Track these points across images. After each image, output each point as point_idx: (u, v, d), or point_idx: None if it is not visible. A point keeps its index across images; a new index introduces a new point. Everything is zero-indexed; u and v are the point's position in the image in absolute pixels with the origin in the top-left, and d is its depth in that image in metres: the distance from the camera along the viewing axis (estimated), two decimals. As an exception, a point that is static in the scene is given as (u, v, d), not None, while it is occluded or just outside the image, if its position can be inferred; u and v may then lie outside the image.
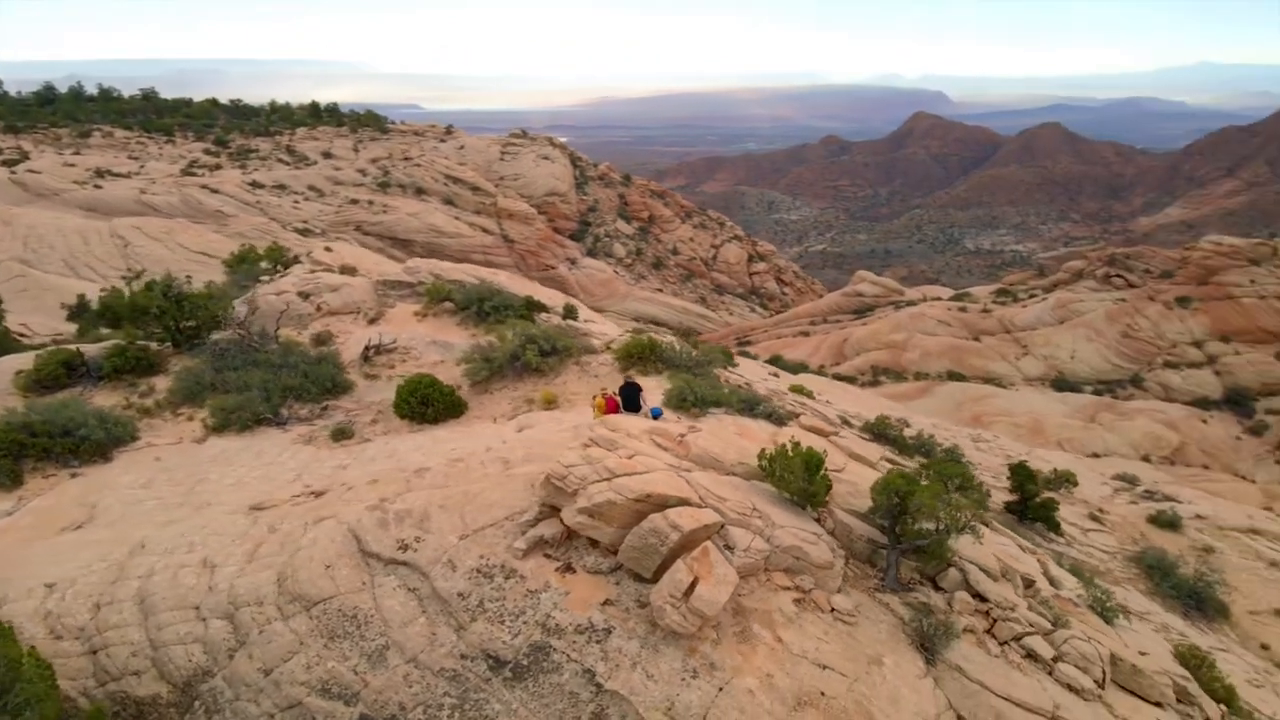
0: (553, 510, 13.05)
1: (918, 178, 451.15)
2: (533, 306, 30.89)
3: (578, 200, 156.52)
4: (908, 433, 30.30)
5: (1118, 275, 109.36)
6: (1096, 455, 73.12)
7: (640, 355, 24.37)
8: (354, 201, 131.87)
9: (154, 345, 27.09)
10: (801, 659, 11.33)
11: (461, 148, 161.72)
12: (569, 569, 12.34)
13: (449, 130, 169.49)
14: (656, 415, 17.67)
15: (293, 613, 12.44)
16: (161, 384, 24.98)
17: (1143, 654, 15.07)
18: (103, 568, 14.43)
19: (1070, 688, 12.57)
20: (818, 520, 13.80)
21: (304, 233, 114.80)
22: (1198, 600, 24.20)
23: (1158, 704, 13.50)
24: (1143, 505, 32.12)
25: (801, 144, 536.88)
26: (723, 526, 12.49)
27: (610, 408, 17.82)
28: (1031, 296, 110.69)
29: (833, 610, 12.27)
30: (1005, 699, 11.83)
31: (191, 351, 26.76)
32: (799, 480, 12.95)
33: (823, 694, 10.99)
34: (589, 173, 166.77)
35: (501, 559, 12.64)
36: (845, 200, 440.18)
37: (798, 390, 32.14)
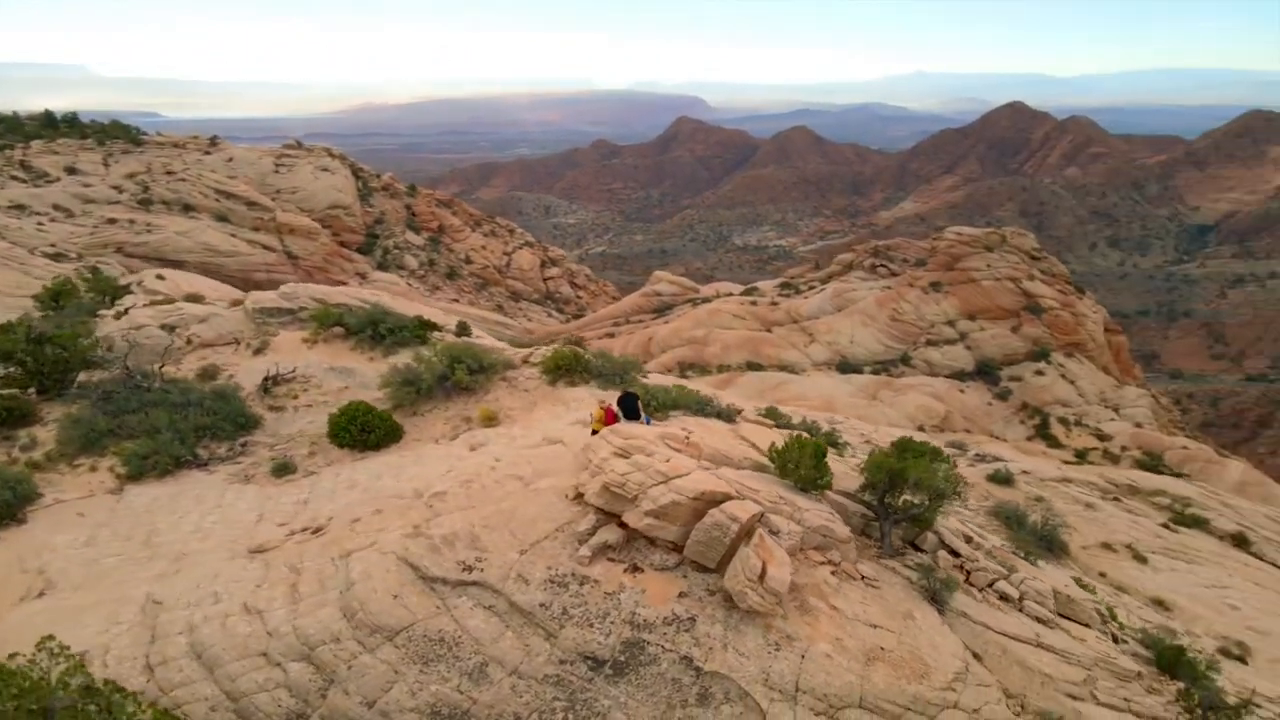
0: (609, 516, 14.27)
1: (685, 179, 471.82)
2: (426, 326, 31.14)
3: (363, 212, 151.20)
4: (795, 420, 33.52)
5: (882, 265, 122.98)
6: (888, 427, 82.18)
7: (568, 367, 25.47)
8: (112, 221, 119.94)
9: (18, 393, 24.82)
10: (855, 621, 13.38)
11: (230, 160, 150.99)
12: (636, 569, 13.66)
13: (214, 141, 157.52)
14: (647, 422, 18.96)
15: (376, 644, 12.84)
16: (43, 434, 23.05)
17: (1066, 586, 18.94)
18: (125, 630, 14.03)
19: (1038, 619, 15.72)
20: (818, 502, 16.13)
21: (55, 257, 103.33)
22: (1048, 542, 27.92)
23: (1086, 624, 17.08)
24: (979, 467, 37.50)
25: (573, 148, 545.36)
26: (763, 515, 14.20)
27: (610, 418, 18.76)
28: (811, 288, 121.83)
29: (863, 578, 14.49)
30: (1002, 634, 14.61)
31: (63, 397, 24.83)
32: (810, 468, 15.24)
33: (882, 649, 13.05)
34: (372, 184, 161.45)
35: (569, 568, 13.68)
36: (620, 202, 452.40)
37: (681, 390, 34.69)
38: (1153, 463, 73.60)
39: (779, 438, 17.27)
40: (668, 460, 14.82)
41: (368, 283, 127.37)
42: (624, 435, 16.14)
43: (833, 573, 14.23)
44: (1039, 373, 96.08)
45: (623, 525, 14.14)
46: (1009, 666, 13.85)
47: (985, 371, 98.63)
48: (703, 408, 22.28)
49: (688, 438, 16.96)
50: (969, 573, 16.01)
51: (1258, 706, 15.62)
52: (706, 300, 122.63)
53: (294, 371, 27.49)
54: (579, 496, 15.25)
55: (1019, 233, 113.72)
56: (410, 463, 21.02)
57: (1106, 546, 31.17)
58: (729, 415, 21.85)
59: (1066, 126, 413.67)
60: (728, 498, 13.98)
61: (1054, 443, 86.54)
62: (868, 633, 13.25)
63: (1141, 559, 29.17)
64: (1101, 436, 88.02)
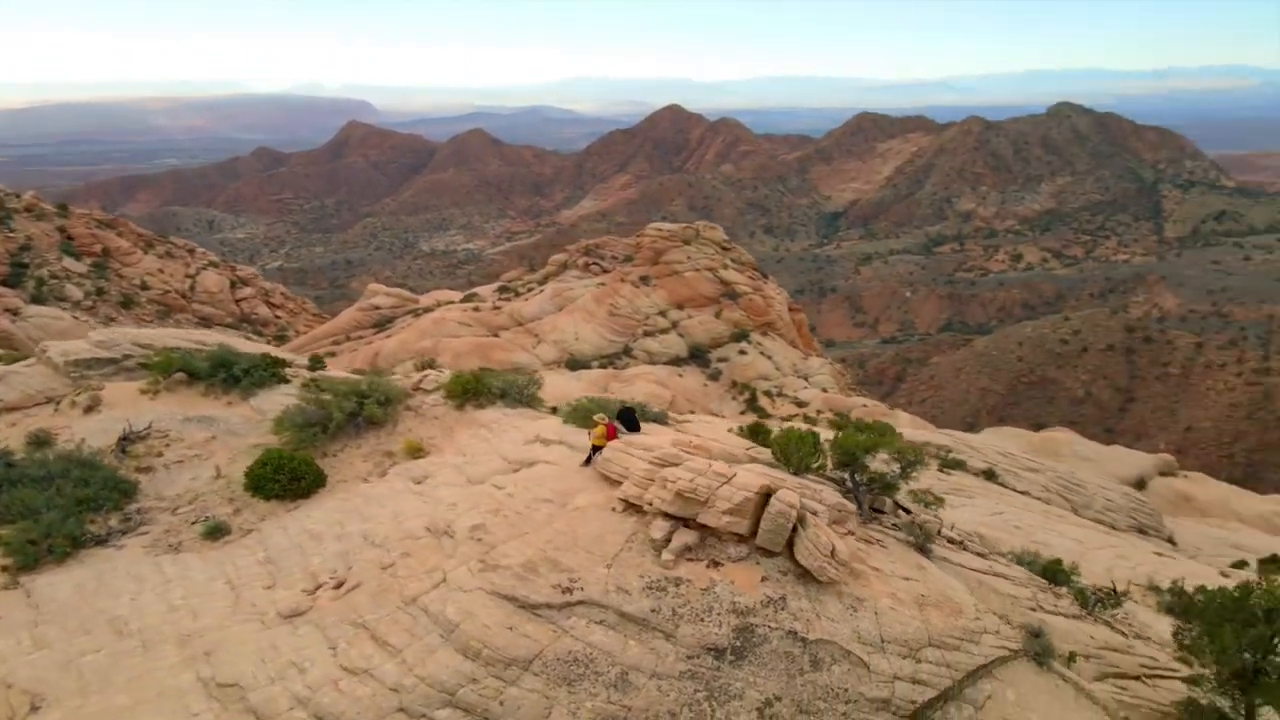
0: (677, 520, 15.58)
1: (361, 186, 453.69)
2: (277, 364, 29.20)
3: (3, 239, 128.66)
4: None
5: (594, 263, 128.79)
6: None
7: (475, 390, 25.59)
8: None
9: None
10: (894, 577, 15.89)
11: None
12: (716, 564, 15.05)
13: None
14: (637, 432, 20.33)
15: (515, 677, 13.32)
16: None
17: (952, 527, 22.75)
18: (214, 717, 13.31)
19: (979, 555, 19.30)
20: (821, 483, 18.23)
21: None
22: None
23: (1000, 554, 20.84)
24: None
25: (232, 157, 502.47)
26: (800, 499, 16.16)
27: (611, 433, 19.61)
28: (530, 290, 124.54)
29: (875, 541, 17.06)
30: (974, 570, 18.04)
31: None
32: (808, 454, 17.35)
33: (923, 596, 15.73)
34: (10, 204, 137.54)
35: (658, 573, 14.86)
36: (292, 214, 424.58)
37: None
38: (842, 420, 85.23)
39: (723, 433, 19.48)
40: (710, 464, 16.41)
41: (21, 319, 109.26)
42: (644, 446, 17.56)
43: (856, 540, 16.67)
44: (742, 352, 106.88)
45: (694, 526, 15.52)
46: (989, 594, 17.28)
47: (697, 355, 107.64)
48: (641, 414, 23.91)
49: (693, 442, 18.72)
50: (922, 525, 19.21)
51: (1123, 594, 20.58)
52: (428, 310, 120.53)
53: (149, 427, 24.61)
54: (629, 507, 16.40)
55: (710, 226, 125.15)
56: (366, 505, 20.35)
57: (911, 494, 37.00)
58: (665, 419, 23.62)
59: (718, 127, 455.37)
60: (777, 489, 15.88)
61: (763, 413, 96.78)
62: (906, 585, 15.98)
63: (940, 500, 34.93)
64: (799, 404, 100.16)
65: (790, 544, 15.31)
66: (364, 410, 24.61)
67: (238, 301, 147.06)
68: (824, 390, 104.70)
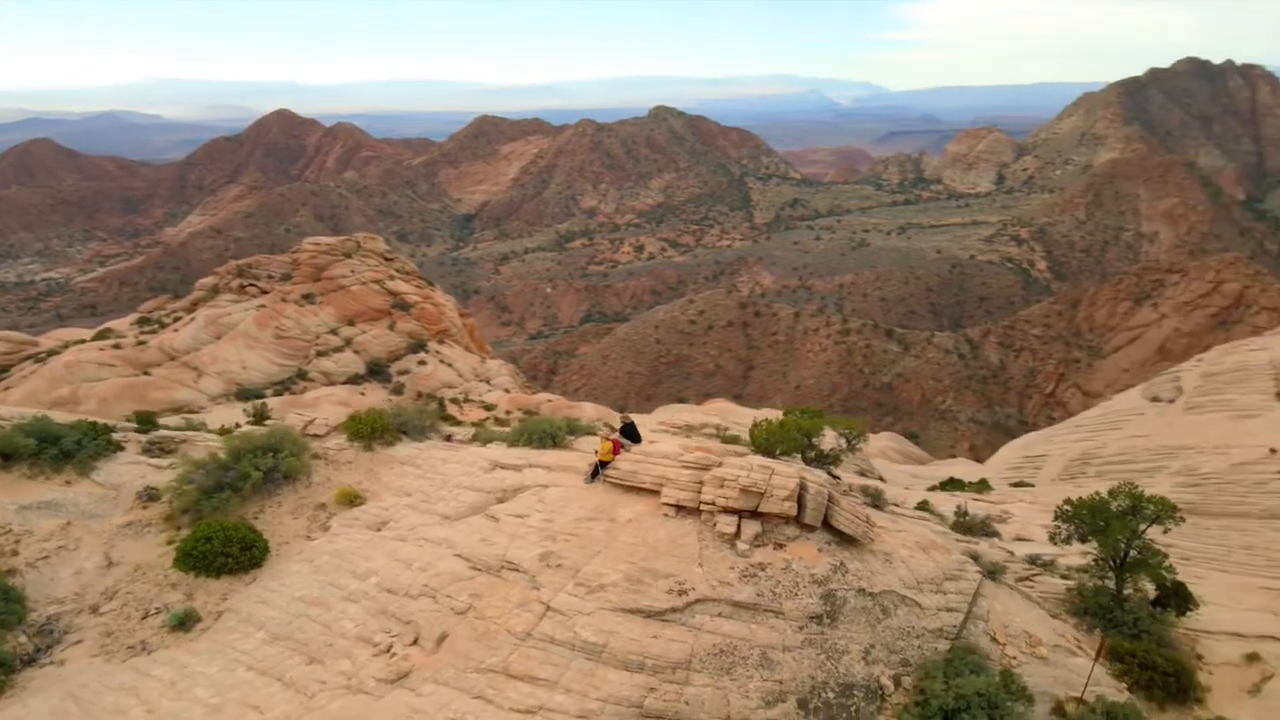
0: (750, 513, 17.43)
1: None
2: (100, 430, 25.19)
3: None
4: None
5: (250, 284, 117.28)
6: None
7: (382, 428, 24.57)
8: None
9: None
10: (894, 531, 19.15)
11: None
12: (780, 545, 17.26)
13: None
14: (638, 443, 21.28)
15: (685, 678, 14.71)
16: None
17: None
18: None
19: (919, 519, 22.72)
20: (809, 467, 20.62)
21: None
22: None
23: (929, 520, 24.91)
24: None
25: None
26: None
27: (616, 448, 20.32)
28: (178, 319, 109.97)
29: (863, 504, 20.22)
30: (926, 525, 21.53)
31: None
32: (796, 442, 19.63)
33: (917, 542, 19.34)
34: None
35: (742, 564, 16.61)
36: None
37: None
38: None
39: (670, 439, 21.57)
40: (751, 461, 18.70)
41: None
42: (662, 454, 19.29)
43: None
44: (422, 363, 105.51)
45: (752, 516, 17.54)
46: (952, 542, 21.12)
47: (377, 371, 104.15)
48: (575, 428, 25.43)
49: (698, 445, 20.49)
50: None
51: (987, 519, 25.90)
52: (53, 352, 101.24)
53: (-14, 525, 19.86)
54: (680, 510, 18.01)
55: (370, 237, 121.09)
56: (343, 561, 19.20)
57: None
58: (595, 429, 25.00)
59: (336, 132, 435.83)
60: (802, 475, 18.45)
61: (454, 421, 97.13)
62: (904, 536, 19.45)
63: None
64: (488, 407, 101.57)
65: (826, 518, 17.95)
66: (281, 465, 22.58)
67: None
68: (507, 391, 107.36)
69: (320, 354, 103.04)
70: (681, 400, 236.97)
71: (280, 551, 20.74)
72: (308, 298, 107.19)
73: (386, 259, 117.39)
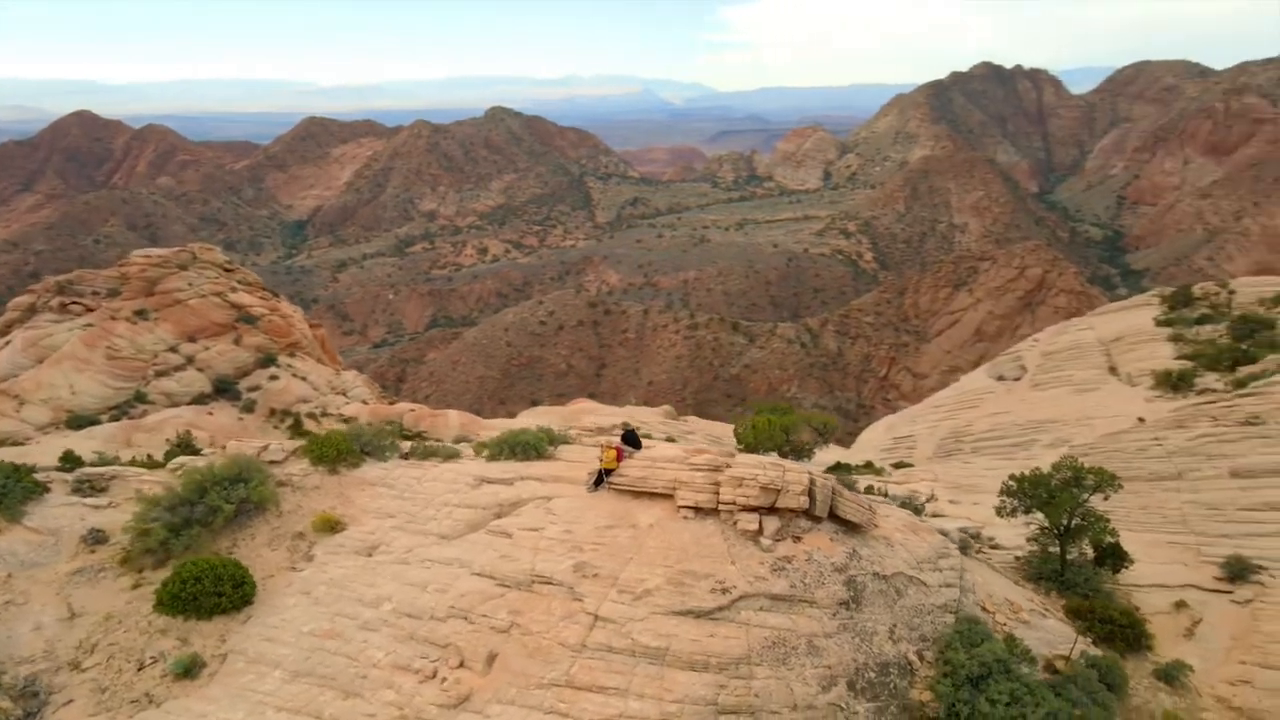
0: (766, 509, 18.25)
1: None
2: (26, 470, 23.14)
3: None
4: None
5: (74, 302, 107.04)
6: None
7: (346, 450, 23.72)
8: None
9: None
10: (883, 517, 20.56)
11: None
12: (797, 538, 18.18)
13: None
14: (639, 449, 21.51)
15: (748, 672, 15.38)
16: None
17: None
18: None
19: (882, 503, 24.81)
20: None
21: None
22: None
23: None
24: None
25: None
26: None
27: (620, 455, 20.48)
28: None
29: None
30: (891, 502, 23.46)
31: None
32: (778, 439, 20.34)
33: (904, 524, 20.93)
34: None
35: (770, 559, 17.43)
36: None
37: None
38: (397, 428, 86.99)
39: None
40: (762, 460, 19.52)
41: None
42: (668, 458, 19.96)
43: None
44: (274, 378, 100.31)
45: (768, 511, 18.39)
46: (922, 520, 23.08)
47: (225, 389, 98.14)
48: (556, 438, 25.29)
49: (697, 447, 21.46)
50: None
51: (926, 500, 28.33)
52: None
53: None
54: (698, 511, 18.63)
55: (207, 248, 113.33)
56: (344, 590, 18.60)
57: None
58: (570, 439, 25.16)
59: (146, 135, 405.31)
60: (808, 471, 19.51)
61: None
62: (893, 520, 20.93)
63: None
64: (347, 420, 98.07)
65: (831, 509, 19.04)
66: (252, 495, 21.38)
67: None
68: (365, 402, 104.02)
69: (160, 374, 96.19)
70: (536, 402, 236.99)
71: (267, 586, 19.83)
72: (141, 314, 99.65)
73: (227, 270, 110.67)
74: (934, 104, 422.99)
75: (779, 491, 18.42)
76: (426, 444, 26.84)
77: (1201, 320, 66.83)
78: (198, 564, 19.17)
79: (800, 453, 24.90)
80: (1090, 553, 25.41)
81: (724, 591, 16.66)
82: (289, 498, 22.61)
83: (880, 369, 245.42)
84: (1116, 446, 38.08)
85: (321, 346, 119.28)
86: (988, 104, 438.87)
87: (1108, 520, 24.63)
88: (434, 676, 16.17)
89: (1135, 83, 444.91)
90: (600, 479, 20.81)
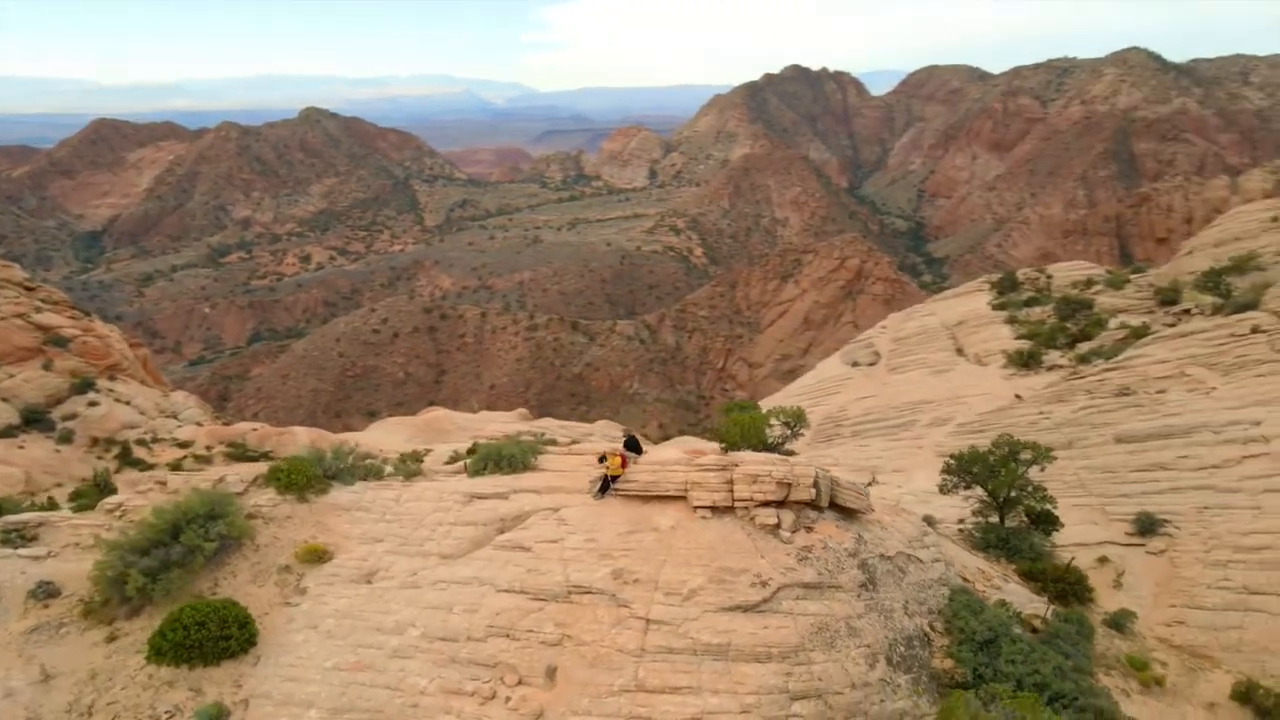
0: (778, 503, 19.11)
1: None
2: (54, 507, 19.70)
3: None
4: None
5: None
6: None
7: (314, 475, 22.64)
8: None
9: None
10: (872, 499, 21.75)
11: None
12: (809, 528, 19.22)
13: None
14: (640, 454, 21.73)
15: (808, 657, 16.39)
16: None
17: None
18: None
19: None
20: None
21: None
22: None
23: None
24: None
25: None
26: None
27: (624, 462, 20.58)
28: None
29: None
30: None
31: None
32: (760, 438, 22.54)
33: (887, 508, 22.38)
34: None
35: (793, 549, 18.37)
36: None
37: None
38: (240, 449, 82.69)
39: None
40: (769, 458, 20.60)
41: None
42: (673, 461, 20.57)
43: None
44: (93, 404, 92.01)
45: (779, 505, 19.25)
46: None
47: (35, 419, 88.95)
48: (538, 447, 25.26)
49: (695, 448, 22.26)
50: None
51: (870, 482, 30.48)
52: None
53: None
54: (714, 510, 19.26)
55: (5, 265, 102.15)
56: (356, 622, 18.06)
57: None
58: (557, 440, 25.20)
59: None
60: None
61: (143, 465, 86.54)
62: (878, 504, 22.16)
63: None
64: (183, 444, 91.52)
65: (832, 499, 20.16)
66: (232, 531, 20.05)
67: None
68: (199, 424, 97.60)
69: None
70: (374, 414, 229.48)
71: (265, 624, 18.76)
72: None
73: (28, 289, 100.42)
74: (750, 105, 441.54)
75: (791, 485, 19.32)
76: (369, 463, 25.75)
77: (1030, 303, 73.40)
78: (198, 608, 17.95)
79: (773, 447, 26.22)
80: (1025, 520, 27.91)
81: (763, 584, 17.39)
82: (263, 530, 21.47)
83: (717, 361, 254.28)
84: (1009, 421, 40.99)
85: (144, 367, 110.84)
86: (799, 104, 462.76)
87: (1044, 489, 27.31)
88: (494, 697, 16.01)
89: (926, 85, 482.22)
90: (606, 485, 20.87)
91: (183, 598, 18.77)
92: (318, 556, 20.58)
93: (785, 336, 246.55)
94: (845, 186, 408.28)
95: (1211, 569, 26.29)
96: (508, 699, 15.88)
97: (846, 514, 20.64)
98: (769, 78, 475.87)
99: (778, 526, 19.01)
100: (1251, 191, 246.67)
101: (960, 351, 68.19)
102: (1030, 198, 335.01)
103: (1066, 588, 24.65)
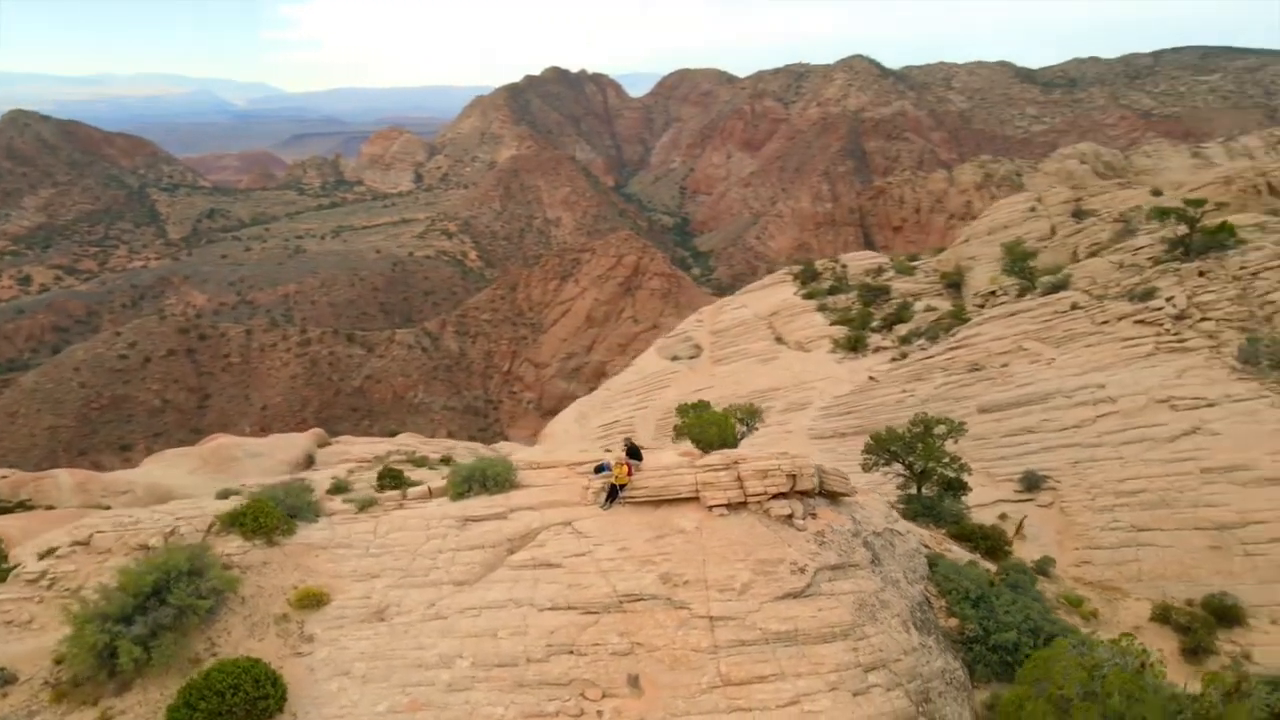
0: (784, 495, 20.16)
1: None
2: None
3: None
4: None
5: None
6: None
7: (278, 518, 21.18)
8: None
9: None
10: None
11: None
12: (814, 515, 20.51)
13: None
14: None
15: (866, 632, 17.69)
16: None
17: None
18: None
19: None
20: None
21: None
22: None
23: None
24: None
25: None
26: None
27: (629, 470, 20.84)
28: None
29: None
30: None
31: None
32: (731, 439, 24.59)
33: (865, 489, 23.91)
34: None
35: (810, 535, 19.57)
36: None
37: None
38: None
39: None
40: (772, 451, 21.82)
41: None
42: (677, 465, 21.35)
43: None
44: None
45: (785, 495, 20.38)
46: None
47: None
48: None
49: (689, 450, 23.12)
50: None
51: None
52: None
53: None
54: (730, 507, 20.09)
55: None
56: (390, 662, 17.12)
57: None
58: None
59: None
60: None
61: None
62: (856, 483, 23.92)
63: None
64: (-91, 499, 79.21)
65: (820, 486, 21.47)
66: (223, 586, 18.63)
67: None
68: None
69: None
70: (127, 447, 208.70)
71: (293, 691, 17.11)
72: None
73: None
74: (513, 106, 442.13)
75: (796, 476, 20.52)
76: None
77: (833, 291, 78.77)
78: (228, 670, 16.41)
79: (729, 445, 27.37)
80: (938, 489, 30.71)
81: (801, 571, 18.44)
82: (247, 580, 19.79)
83: (503, 364, 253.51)
84: (875, 401, 43.48)
85: None
86: (561, 105, 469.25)
87: (960, 459, 30.23)
88: (582, 714, 15.87)
89: (680, 87, 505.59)
90: (613, 494, 20.93)
91: (180, 665, 17.33)
92: (315, 601, 19.42)
93: (569, 335, 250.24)
94: (613, 185, 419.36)
95: (1100, 514, 29.79)
96: (599, 713, 15.84)
97: (833, 498, 22.11)
98: (530, 79, 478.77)
99: (791, 516, 20.08)
100: (964, 183, 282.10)
101: (780, 340, 70.92)
102: (782, 192, 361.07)
103: (993, 544, 27.71)
